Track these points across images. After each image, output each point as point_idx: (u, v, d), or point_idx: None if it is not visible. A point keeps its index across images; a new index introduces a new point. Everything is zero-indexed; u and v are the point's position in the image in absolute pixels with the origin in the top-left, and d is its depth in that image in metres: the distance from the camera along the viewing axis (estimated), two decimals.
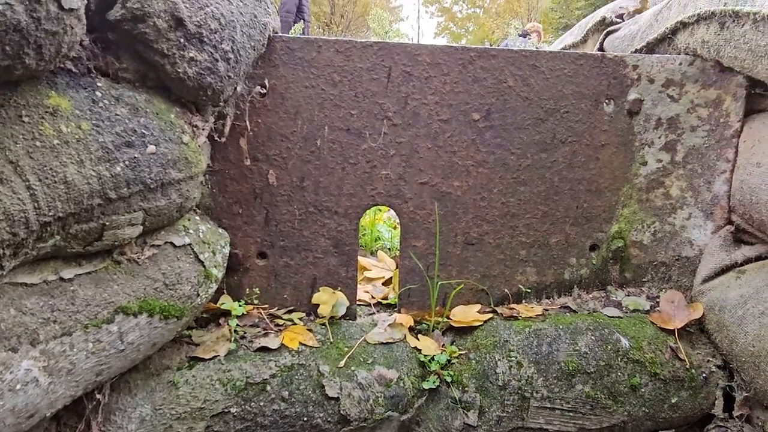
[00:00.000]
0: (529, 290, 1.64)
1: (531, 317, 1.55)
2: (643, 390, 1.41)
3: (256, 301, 1.51)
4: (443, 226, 1.56)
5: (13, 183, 0.87)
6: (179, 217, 1.23)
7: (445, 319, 1.55)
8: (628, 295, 1.67)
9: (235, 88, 1.34)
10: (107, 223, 1.03)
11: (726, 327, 1.42)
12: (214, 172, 1.43)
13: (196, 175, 1.22)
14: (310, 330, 1.44)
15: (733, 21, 1.38)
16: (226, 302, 1.43)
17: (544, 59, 1.52)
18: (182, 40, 1.10)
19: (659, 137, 1.61)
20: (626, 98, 1.58)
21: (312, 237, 1.51)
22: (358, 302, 1.64)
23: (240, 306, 1.42)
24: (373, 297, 1.71)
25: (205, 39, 1.13)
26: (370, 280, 1.83)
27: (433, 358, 1.42)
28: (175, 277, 1.20)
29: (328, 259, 1.53)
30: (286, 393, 1.28)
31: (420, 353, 1.43)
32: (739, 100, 1.56)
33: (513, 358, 1.42)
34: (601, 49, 2.03)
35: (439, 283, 1.57)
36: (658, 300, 1.64)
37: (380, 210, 2.61)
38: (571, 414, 1.40)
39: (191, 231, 1.29)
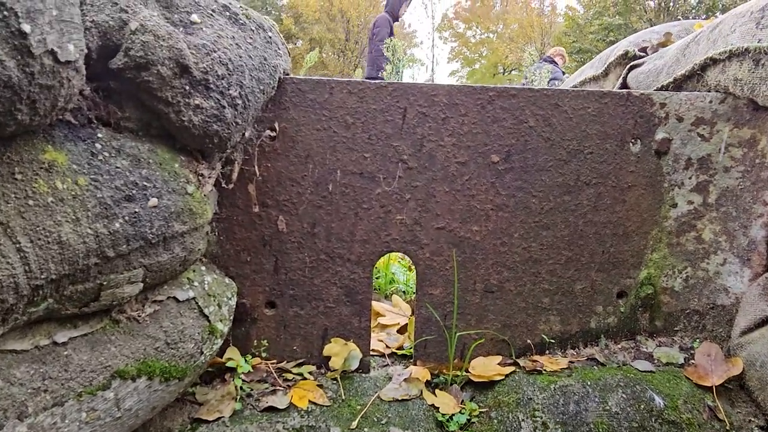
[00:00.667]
0: (552, 340, 1.55)
1: (556, 371, 1.45)
2: None
3: (264, 354, 1.43)
4: (461, 273, 1.48)
5: (2, 245, 0.82)
6: (183, 271, 1.17)
7: (464, 373, 1.46)
8: (660, 346, 1.57)
9: (244, 134, 1.29)
10: (104, 283, 0.97)
11: None
12: (222, 219, 1.37)
13: (201, 226, 1.15)
14: (320, 386, 1.36)
15: None
16: (232, 357, 1.35)
17: (567, 98, 1.45)
18: (187, 88, 1.05)
19: (690, 178, 1.52)
20: (654, 137, 1.50)
21: (323, 285, 1.44)
22: (372, 352, 1.55)
23: (246, 362, 1.34)
24: (387, 346, 1.62)
25: (212, 85, 1.08)
26: (384, 327, 1.75)
27: (451, 418, 1.33)
28: (178, 334, 1.13)
29: (340, 308, 1.45)
30: None
31: (438, 411, 1.34)
32: None
33: (538, 419, 1.32)
34: (624, 83, 1.96)
35: (458, 333, 1.48)
36: (692, 351, 1.53)
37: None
38: None
39: (196, 283, 1.22)
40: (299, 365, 1.43)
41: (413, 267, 2.22)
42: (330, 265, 1.43)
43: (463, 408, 1.36)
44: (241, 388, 1.29)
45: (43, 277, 0.87)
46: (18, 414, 0.86)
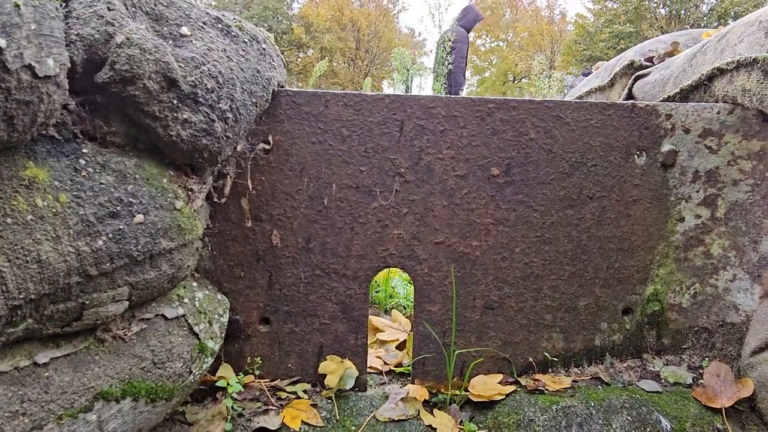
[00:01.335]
0: (555, 358, 1.50)
1: (558, 391, 1.41)
2: None
3: (258, 371, 1.40)
4: (460, 289, 1.44)
5: None
6: (171, 288, 1.14)
7: (464, 392, 1.42)
8: (667, 365, 1.51)
9: (236, 147, 1.26)
10: (87, 302, 0.94)
11: None
12: (215, 234, 1.34)
13: (191, 242, 1.13)
14: (314, 405, 1.32)
15: None
16: (223, 375, 1.32)
17: (569, 109, 1.42)
18: (175, 102, 1.02)
19: (697, 191, 1.47)
20: (659, 150, 1.45)
21: (319, 301, 1.40)
22: (369, 369, 1.51)
23: (238, 382, 1.31)
24: (385, 363, 1.58)
25: (201, 99, 1.05)
26: (383, 342, 1.71)
27: None
28: (166, 353, 1.10)
29: (335, 325, 1.42)
30: None
31: None
32: None
33: None
34: (629, 94, 1.91)
35: (457, 351, 1.44)
36: (700, 371, 1.48)
37: None
38: None
39: (186, 300, 1.19)
40: (294, 383, 1.40)
41: None
42: (325, 281, 1.40)
43: (462, 429, 1.32)
44: (232, 407, 1.26)
45: (21, 297, 0.84)
46: None
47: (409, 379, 1.49)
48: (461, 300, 1.44)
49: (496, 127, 1.40)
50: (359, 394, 1.40)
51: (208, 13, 1.17)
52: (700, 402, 1.37)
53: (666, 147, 1.45)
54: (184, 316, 1.16)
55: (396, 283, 2.28)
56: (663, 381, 1.46)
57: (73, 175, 0.93)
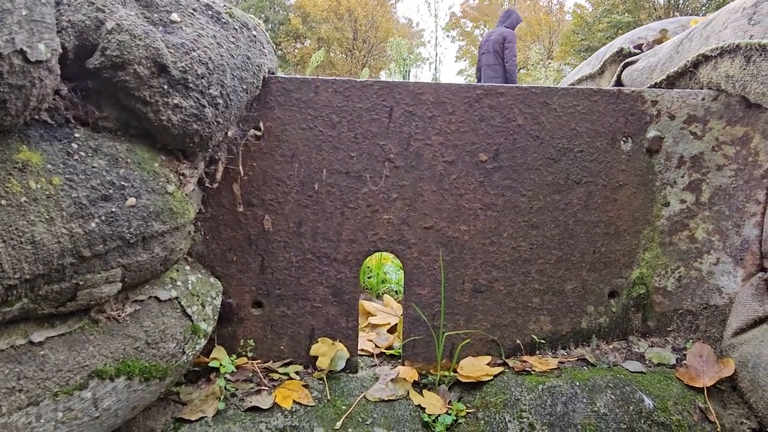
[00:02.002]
0: (543, 340, 1.53)
1: (545, 372, 1.44)
2: None
3: (250, 353, 1.43)
4: (449, 273, 1.47)
5: None
6: (164, 270, 1.16)
7: (453, 373, 1.45)
8: (652, 346, 1.55)
9: (227, 133, 1.29)
10: (81, 283, 0.97)
11: (761, 386, 1.29)
12: (207, 219, 1.37)
13: (183, 226, 1.15)
14: (306, 385, 1.36)
15: (760, 55, 1.28)
16: (217, 357, 1.35)
17: (556, 96, 1.44)
18: (166, 87, 1.04)
19: (682, 176, 1.50)
20: (645, 136, 1.48)
21: (310, 285, 1.43)
22: (360, 352, 1.55)
23: (231, 363, 1.34)
24: (377, 346, 1.61)
25: (191, 85, 1.07)
26: (374, 326, 1.74)
27: (437, 419, 1.31)
28: (159, 334, 1.12)
29: (327, 308, 1.45)
30: None
31: (424, 412, 1.33)
32: None
33: (525, 419, 1.31)
34: (618, 80, 1.94)
35: (446, 333, 1.47)
36: (684, 352, 1.51)
37: None
38: None
39: (179, 283, 1.22)
40: (286, 365, 1.43)
41: None
42: (317, 265, 1.43)
43: (450, 409, 1.35)
44: (225, 387, 1.29)
45: (16, 277, 0.87)
46: None
47: (400, 361, 1.52)
48: (450, 283, 1.47)
49: (484, 113, 1.42)
50: (350, 375, 1.44)
51: (198, 0, 1.19)
52: (683, 382, 1.40)
53: (651, 133, 1.47)
54: (177, 298, 1.19)
55: (388, 268, 2.31)
56: (647, 362, 1.49)
57: (65, 158, 0.95)
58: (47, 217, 0.90)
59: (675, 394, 1.36)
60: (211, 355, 1.36)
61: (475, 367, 1.46)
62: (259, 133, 1.36)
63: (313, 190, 1.39)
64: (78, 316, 1.04)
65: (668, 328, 1.57)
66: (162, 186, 1.09)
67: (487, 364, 1.47)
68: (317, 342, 1.45)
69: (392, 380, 1.40)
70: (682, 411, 1.33)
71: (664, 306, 1.56)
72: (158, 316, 1.14)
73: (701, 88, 1.50)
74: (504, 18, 6.88)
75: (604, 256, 1.52)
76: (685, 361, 1.47)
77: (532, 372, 1.44)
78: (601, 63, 2.11)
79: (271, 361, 1.44)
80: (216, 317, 1.30)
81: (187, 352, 1.19)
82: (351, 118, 1.38)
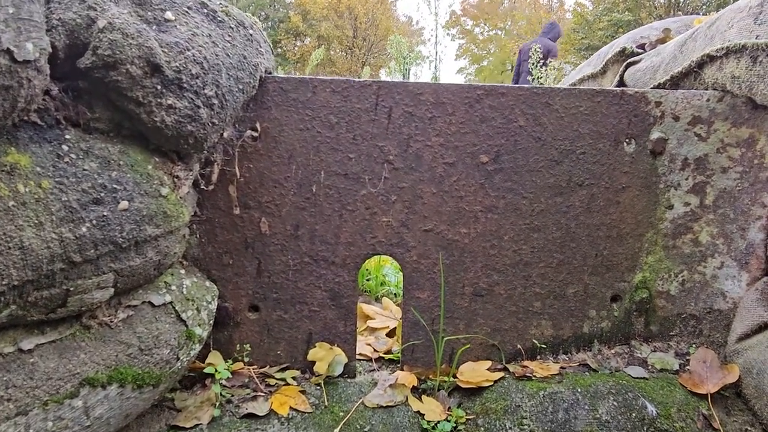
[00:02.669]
0: (544, 345, 1.51)
1: (546, 377, 1.42)
2: None
3: (247, 359, 1.40)
4: (449, 277, 1.44)
5: None
6: (158, 275, 1.14)
7: (452, 378, 1.43)
8: (654, 351, 1.52)
9: (222, 134, 1.26)
10: (72, 288, 0.94)
11: (767, 393, 1.27)
12: (203, 221, 1.34)
13: (177, 229, 1.13)
14: (303, 391, 1.33)
15: (767, 56, 1.26)
16: (212, 362, 1.32)
17: (558, 96, 1.41)
18: (159, 87, 1.02)
19: (686, 179, 1.47)
20: (649, 137, 1.45)
21: (307, 289, 1.41)
22: (358, 356, 1.52)
23: (227, 369, 1.31)
24: (375, 350, 1.59)
25: (185, 85, 1.05)
26: (373, 330, 1.71)
27: (437, 425, 1.29)
28: (153, 340, 1.10)
29: (324, 312, 1.42)
30: None
31: (423, 418, 1.31)
32: None
33: (525, 426, 1.28)
34: (621, 81, 1.91)
35: (446, 338, 1.44)
36: (687, 357, 1.49)
37: None
38: None
39: (173, 287, 1.19)
40: (283, 370, 1.40)
41: None
42: (314, 268, 1.40)
43: (450, 415, 1.33)
44: (221, 394, 1.27)
45: (4, 283, 0.84)
46: None
47: (399, 366, 1.49)
48: (450, 287, 1.45)
49: (485, 114, 1.39)
50: (348, 380, 1.41)
51: None
52: (687, 388, 1.38)
53: (655, 134, 1.45)
54: (171, 303, 1.16)
55: (387, 271, 2.28)
56: (650, 367, 1.47)
57: (55, 161, 0.92)
58: (36, 221, 0.87)
59: (678, 400, 1.34)
60: (207, 360, 1.34)
61: (475, 372, 1.43)
62: (255, 134, 1.33)
63: (310, 192, 1.37)
64: (69, 323, 1.01)
65: (671, 333, 1.55)
66: (156, 189, 1.06)
67: (488, 369, 1.45)
68: (315, 346, 1.42)
69: (391, 386, 1.37)
70: (686, 418, 1.31)
71: (667, 310, 1.53)
72: (152, 321, 1.12)
73: (706, 89, 1.48)
74: (547, 30, 7.19)
75: (606, 260, 1.50)
76: (688, 367, 1.45)
77: (533, 377, 1.42)
78: (603, 63, 2.08)
79: (268, 366, 1.41)
80: (211, 322, 1.28)
81: (181, 358, 1.16)
82: (349, 119, 1.36)
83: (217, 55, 1.12)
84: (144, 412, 1.19)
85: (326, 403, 1.30)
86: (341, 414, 1.28)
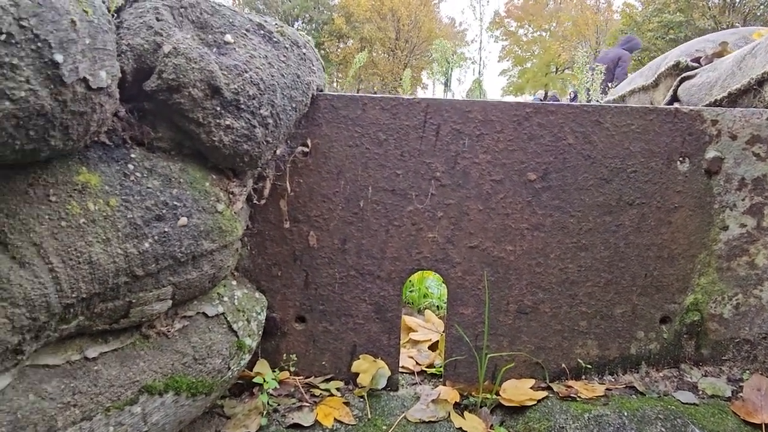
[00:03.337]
0: (589, 365, 1.49)
1: (591, 399, 1.40)
2: None
3: (293, 368, 1.44)
4: (494, 293, 1.44)
5: (35, 266, 0.85)
6: (212, 287, 1.18)
7: (495, 396, 1.42)
8: (705, 376, 1.48)
9: (275, 151, 1.30)
10: (134, 301, 0.99)
11: None
12: (254, 234, 1.38)
13: (231, 244, 1.17)
14: (347, 403, 1.36)
15: None
16: (260, 371, 1.36)
17: (609, 114, 1.39)
18: (218, 108, 1.06)
19: (743, 199, 1.43)
20: (704, 156, 1.42)
21: (353, 302, 1.43)
22: (401, 369, 1.54)
23: (274, 378, 1.35)
24: (417, 363, 1.60)
25: (243, 106, 1.09)
26: (415, 343, 1.72)
27: None
28: (206, 350, 1.14)
29: (369, 325, 1.44)
30: None
31: None
32: None
33: None
34: (674, 96, 1.86)
35: (489, 355, 1.44)
36: (740, 384, 1.44)
37: None
38: None
39: (225, 298, 1.23)
40: (327, 381, 1.43)
41: None
42: (360, 282, 1.42)
43: None
44: (268, 403, 1.30)
45: (74, 296, 0.89)
46: (47, 428, 0.89)
47: (441, 380, 1.50)
48: (494, 304, 1.45)
49: (533, 131, 1.39)
50: (391, 393, 1.43)
51: (251, 20, 1.20)
52: (739, 416, 1.34)
53: (711, 153, 1.41)
54: (223, 314, 1.21)
55: (430, 283, 2.29)
56: (700, 393, 1.43)
57: (122, 179, 0.97)
58: (104, 237, 0.92)
59: (730, 429, 1.30)
60: (255, 369, 1.38)
61: (518, 390, 1.43)
62: (306, 150, 1.36)
63: (358, 207, 1.39)
64: (129, 332, 1.06)
65: (724, 358, 1.50)
66: (212, 205, 1.11)
67: (531, 388, 1.44)
68: (358, 359, 1.45)
69: (433, 401, 1.38)
70: None
71: (719, 334, 1.49)
72: (205, 331, 1.16)
73: (766, 107, 1.43)
74: (625, 42, 7.40)
75: (656, 280, 1.46)
76: (741, 394, 1.40)
77: (578, 398, 1.40)
78: (656, 75, 2.03)
79: (313, 377, 1.44)
80: (260, 332, 1.32)
81: (232, 367, 1.20)
82: (398, 136, 1.37)
83: (272, 76, 1.16)
84: (195, 419, 1.24)
85: (369, 416, 1.32)
86: (384, 427, 1.30)
